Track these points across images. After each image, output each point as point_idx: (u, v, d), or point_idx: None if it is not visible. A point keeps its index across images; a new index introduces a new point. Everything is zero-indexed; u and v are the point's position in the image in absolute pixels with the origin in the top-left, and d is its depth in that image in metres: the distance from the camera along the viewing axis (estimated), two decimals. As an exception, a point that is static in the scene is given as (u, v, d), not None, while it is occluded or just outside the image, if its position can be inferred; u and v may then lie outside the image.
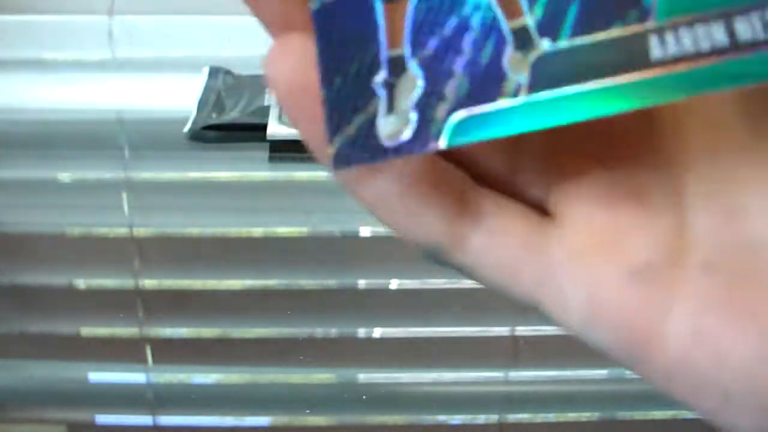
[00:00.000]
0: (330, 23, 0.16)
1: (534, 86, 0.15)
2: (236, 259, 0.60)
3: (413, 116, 0.15)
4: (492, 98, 0.15)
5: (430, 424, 0.64)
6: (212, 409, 0.63)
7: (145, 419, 0.62)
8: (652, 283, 0.16)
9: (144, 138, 0.58)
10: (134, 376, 0.62)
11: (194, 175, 0.59)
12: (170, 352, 0.62)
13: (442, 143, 0.15)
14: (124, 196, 0.59)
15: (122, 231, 0.59)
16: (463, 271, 0.18)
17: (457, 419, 0.64)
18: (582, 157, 0.17)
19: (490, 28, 0.15)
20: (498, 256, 0.17)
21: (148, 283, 0.60)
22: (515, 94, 0.15)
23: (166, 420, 0.63)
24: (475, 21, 0.15)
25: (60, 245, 0.62)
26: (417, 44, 0.16)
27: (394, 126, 0.15)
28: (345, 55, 0.16)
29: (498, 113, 0.15)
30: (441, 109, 0.15)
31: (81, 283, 0.62)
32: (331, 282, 0.59)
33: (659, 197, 0.17)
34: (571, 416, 0.63)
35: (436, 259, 0.18)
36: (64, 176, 0.60)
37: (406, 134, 0.15)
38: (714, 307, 0.16)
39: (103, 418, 0.64)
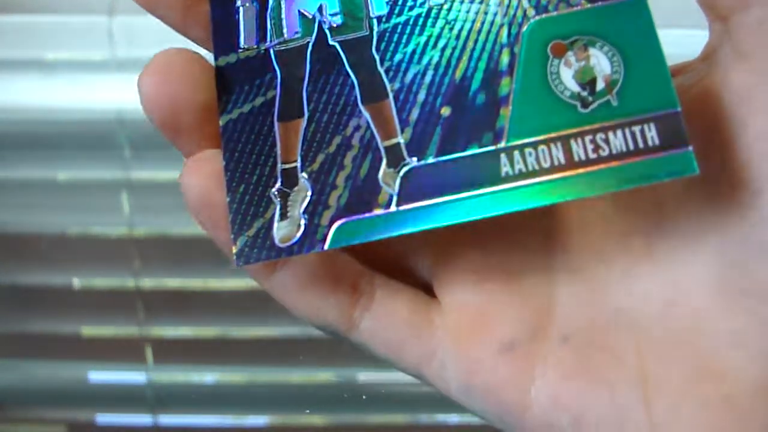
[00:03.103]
0: (235, 138, 0.19)
1: (403, 198, 0.18)
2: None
3: (302, 222, 0.18)
4: (368, 208, 0.18)
5: (429, 424, 0.64)
6: (212, 408, 0.63)
7: (145, 419, 0.63)
8: (518, 357, 0.18)
9: (144, 138, 0.58)
10: (134, 376, 0.62)
11: (194, 175, 0.58)
12: (170, 352, 0.62)
13: (326, 245, 0.18)
14: (124, 196, 0.59)
15: (122, 231, 0.59)
16: (357, 347, 0.20)
17: (456, 419, 0.64)
18: (458, 244, 0.20)
19: (368, 146, 0.18)
20: (385, 337, 0.20)
21: (148, 283, 0.60)
22: (387, 205, 0.18)
23: (166, 420, 0.63)
24: (356, 140, 0.18)
25: (60, 245, 0.62)
26: (307, 159, 0.18)
27: (286, 230, 0.18)
28: (247, 167, 0.19)
29: (374, 219, 0.18)
30: (326, 216, 0.18)
31: (81, 283, 0.62)
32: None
33: (529, 276, 0.19)
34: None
35: (333, 336, 0.20)
36: (64, 176, 0.60)
37: (296, 237, 0.18)
38: (570, 375, 0.18)
39: (103, 418, 0.64)
